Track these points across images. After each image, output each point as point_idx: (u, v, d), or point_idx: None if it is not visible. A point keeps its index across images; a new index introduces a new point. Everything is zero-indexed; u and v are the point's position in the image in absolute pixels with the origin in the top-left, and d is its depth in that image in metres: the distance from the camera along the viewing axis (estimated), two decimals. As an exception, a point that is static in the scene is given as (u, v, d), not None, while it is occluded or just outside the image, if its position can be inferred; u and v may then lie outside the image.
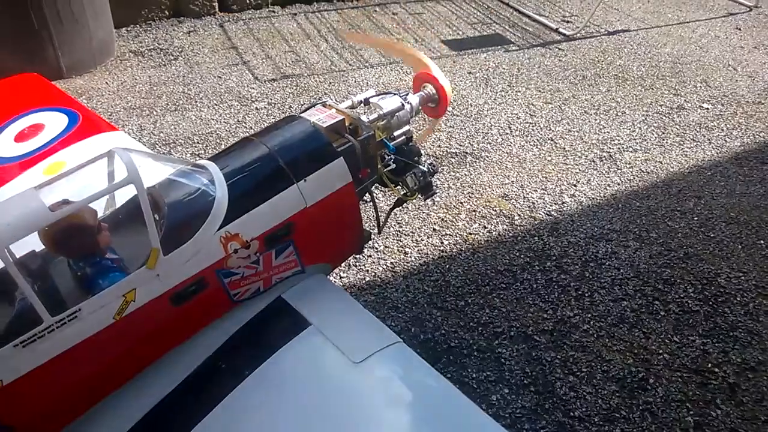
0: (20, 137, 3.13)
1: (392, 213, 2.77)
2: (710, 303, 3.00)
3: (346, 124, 2.33)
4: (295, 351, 1.97)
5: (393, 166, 2.41)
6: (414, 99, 2.54)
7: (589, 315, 2.93)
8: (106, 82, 4.93)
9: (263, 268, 2.10)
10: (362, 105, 2.51)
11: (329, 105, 2.39)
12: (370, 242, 3.34)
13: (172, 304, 1.92)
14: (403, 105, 2.43)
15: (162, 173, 2.09)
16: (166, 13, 5.90)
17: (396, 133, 2.45)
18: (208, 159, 2.20)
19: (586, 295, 3.05)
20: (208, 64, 5.20)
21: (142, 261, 1.83)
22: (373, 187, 2.46)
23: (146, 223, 1.81)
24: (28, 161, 2.93)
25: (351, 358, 1.89)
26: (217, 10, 6.04)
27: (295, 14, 6.07)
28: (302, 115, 2.34)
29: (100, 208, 2.17)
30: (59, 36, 4.80)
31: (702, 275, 3.16)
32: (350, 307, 2.16)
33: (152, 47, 5.46)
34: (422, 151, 2.59)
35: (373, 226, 2.53)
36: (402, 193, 2.56)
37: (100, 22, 5.09)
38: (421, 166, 2.47)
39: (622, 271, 3.19)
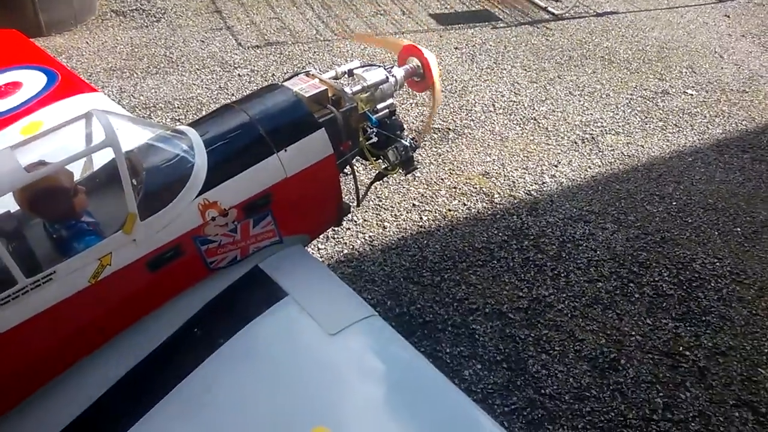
0: (-2, 94, 3.05)
1: (372, 186, 2.75)
2: (684, 287, 3.05)
3: (329, 94, 2.29)
4: (271, 321, 1.96)
5: (375, 139, 2.38)
6: (399, 72, 2.50)
7: (564, 295, 2.96)
8: (87, 42, 4.79)
9: (241, 237, 2.08)
10: (346, 76, 2.47)
11: (312, 75, 2.35)
12: (349, 215, 3.33)
13: (149, 270, 1.89)
14: (387, 77, 2.40)
15: (141, 137, 2.04)
16: (149, -28, 5.73)
17: (379, 106, 2.42)
18: (188, 125, 2.15)
19: (562, 275, 3.07)
20: (191, 28, 5.08)
21: (118, 225, 1.80)
22: (354, 160, 2.44)
23: (123, 188, 1.78)
24: (4, 120, 2.85)
25: (326, 329, 1.89)
26: (201, -29, 5.87)
27: (282, -20, 5.93)
28: (285, 84, 2.30)
29: (77, 170, 2.13)
30: (37, -9, 4.65)
31: (677, 260, 3.20)
32: (327, 279, 2.15)
33: (134, 7, 5.31)
34: (405, 126, 2.57)
35: (353, 198, 2.51)
36: (383, 167, 2.54)
37: (79, -22, 4.94)
38: (403, 141, 2.45)
39: (598, 252, 3.22)
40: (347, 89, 2.32)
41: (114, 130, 1.79)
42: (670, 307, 2.93)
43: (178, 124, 3.67)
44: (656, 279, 3.07)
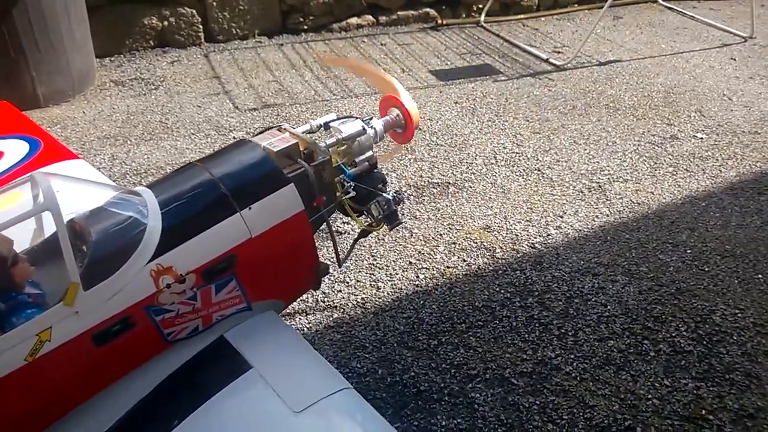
0: (-22, 165, 3.01)
1: (356, 245, 2.59)
2: (704, 342, 2.78)
3: (301, 148, 2.17)
4: (232, 397, 1.77)
5: (353, 193, 2.24)
6: (378, 124, 2.38)
7: (572, 356, 2.71)
8: (83, 111, 4.81)
9: (201, 305, 1.91)
10: (322, 129, 2.37)
11: (284, 129, 2.24)
12: (340, 276, 3.16)
13: (95, 344, 1.73)
14: (364, 129, 2.28)
15: (94, 201, 1.92)
16: (151, 43, 5.83)
17: (358, 159, 2.29)
18: (147, 185, 2.03)
19: (570, 333, 2.83)
20: (188, 94, 5.10)
21: (61, 297, 1.66)
22: (333, 217, 2.30)
23: (64, 255, 1.65)
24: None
25: (291, 406, 1.69)
26: (202, 40, 5.97)
27: (282, 45, 6.00)
28: (254, 139, 2.19)
29: (27, 238, 2.01)
30: (36, 64, 4.71)
31: (695, 312, 2.94)
32: (298, 349, 1.96)
33: (134, 77, 5.37)
34: (387, 178, 2.43)
35: (334, 258, 2.35)
36: (366, 223, 2.39)
37: (79, 52, 5.01)
38: (384, 194, 2.30)
39: (609, 307, 2.98)
40: (321, 142, 2.20)
41: (54, 193, 1.68)
42: (689, 366, 2.66)
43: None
44: (673, 334, 2.81)
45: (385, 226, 2.38)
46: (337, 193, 2.23)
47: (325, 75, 5.43)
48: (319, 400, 1.72)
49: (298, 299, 2.99)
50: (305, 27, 6.19)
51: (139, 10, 5.69)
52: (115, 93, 5.13)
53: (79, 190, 1.95)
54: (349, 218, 2.38)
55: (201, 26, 5.93)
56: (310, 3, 6.07)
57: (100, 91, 5.15)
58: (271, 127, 2.28)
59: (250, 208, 1.96)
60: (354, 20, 6.35)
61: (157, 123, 4.65)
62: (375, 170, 2.35)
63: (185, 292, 1.86)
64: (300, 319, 2.90)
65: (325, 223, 2.22)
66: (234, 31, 6.04)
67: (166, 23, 5.80)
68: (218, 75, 5.42)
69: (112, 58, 5.67)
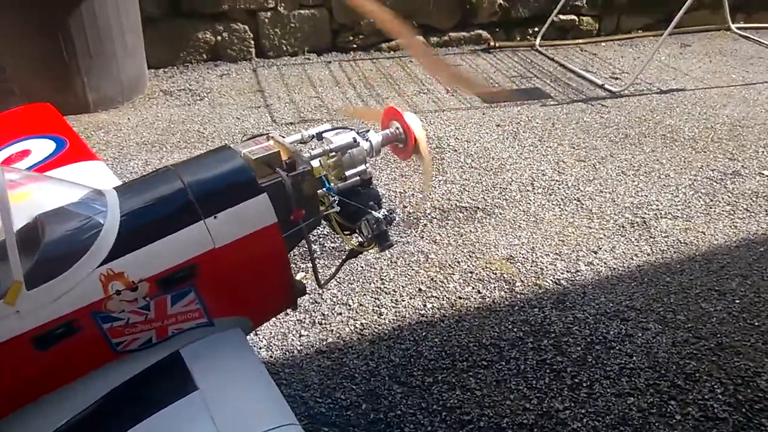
0: (6, 162, 3.08)
1: (344, 265, 2.40)
2: (743, 410, 2.39)
3: (283, 157, 2.02)
4: (168, 419, 1.61)
5: (337, 209, 2.07)
6: (376, 137, 2.20)
7: (583, 410, 2.39)
8: (128, 118, 4.91)
9: (155, 316, 1.77)
10: (315, 140, 2.22)
11: (272, 137, 2.11)
12: (343, 298, 2.98)
13: (36, 347, 1.62)
14: (356, 141, 2.11)
15: (62, 200, 1.85)
16: (204, 56, 5.94)
17: (348, 173, 2.12)
18: (115, 187, 1.94)
19: (584, 384, 2.51)
20: (230, 106, 5.12)
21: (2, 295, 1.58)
22: (315, 233, 2.13)
23: (8, 253, 1.57)
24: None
25: (224, 436, 1.52)
26: (253, 55, 6.03)
27: (329, 62, 5.96)
28: (237, 145, 2.07)
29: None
30: (88, 70, 4.85)
31: (737, 373, 2.55)
32: (251, 375, 1.78)
33: (182, 87, 5.46)
34: (382, 197, 2.25)
35: (326, 275, 2.18)
36: (357, 242, 2.21)
37: (131, 61, 5.14)
38: (374, 212, 2.12)
39: (634, 358, 2.64)
40: (306, 153, 2.05)
41: (4, 188, 1.60)
42: (721, 436, 2.29)
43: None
44: (706, 396, 2.44)
45: (376, 248, 2.19)
46: (321, 207, 2.06)
47: (366, 93, 5.33)
48: (257, 434, 1.55)
49: (295, 318, 2.85)
50: (354, 46, 6.14)
51: (195, 24, 5.81)
52: (162, 102, 5.22)
53: (51, 188, 1.88)
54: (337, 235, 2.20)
55: (253, 42, 6.00)
56: (360, 22, 6.02)
57: (148, 99, 5.25)
58: (261, 134, 2.16)
59: (215, 217, 1.82)
60: (404, 40, 6.25)
61: (194, 132, 4.67)
62: (369, 186, 2.18)
63: (137, 301, 1.73)
64: (292, 340, 2.73)
65: (304, 239, 2.05)
66: (284, 48, 6.07)
67: (219, 38, 5.90)
68: (262, 89, 5.43)
69: (166, 69, 5.80)
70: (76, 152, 3.13)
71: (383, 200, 2.28)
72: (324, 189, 2.04)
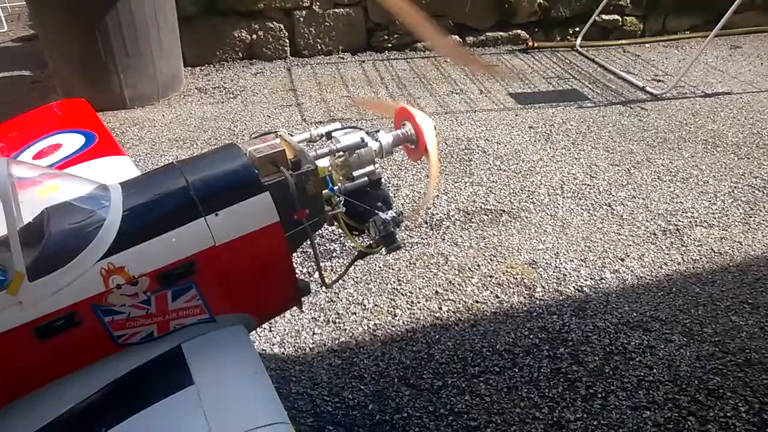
0: (38, 156, 3.19)
1: (352, 267, 2.38)
2: (767, 429, 2.27)
3: (289, 156, 2.01)
4: (162, 412, 1.63)
5: (343, 209, 2.05)
6: (386, 137, 2.17)
7: (596, 422, 2.30)
8: (163, 115, 5.03)
9: (156, 310, 1.80)
10: (324, 139, 2.20)
11: (279, 135, 2.11)
12: (359, 297, 2.96)
13: (37, 338, 1.67)
14: (364, 141, 2.08)
15: (68, 194, 1.90)
16: (240, 55, 6.03)
17: (356, 173, 2.10)
18: (120, 182, 1.98)
19: (599, 395, 2.42)
20: (262, 104, 5.17)
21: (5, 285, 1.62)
22: (335, 232, 2.11)
23: (11, 244, 1.61)
24: (32, 181, 2.94)
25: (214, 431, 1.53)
26: (288, 54, 6.08)
27: (363, 61, 5.96)
28: (244, 143, 2.08)
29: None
30: (125, 68, 4.99)
31: (764, 391, 2.41)
32: (248, 372, 1.78)
33: (217, 86, 5.56)
34: (393, 199, 2.21)
35: (333, 274, 2.17)
36: (365, 244, 2.18)
37: (166, 59, 5.26)
38: (381, 214, 2.09)
39: (655, 371, 2.53)
40: (312, 152, 2.04)
41: (7, 181, 1.65)
42: (742, 457, 2.17)
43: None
44: (728, 414, 2.31)
45: (383, 249, 2.16)
46: (326, 207, 2.05)
47: (398, 92, 5.30)
48: (247, 430, 1.54)
49: (309, 316, 2.84)
50: (389, 45, 6.12)
51: (230, 23, 5.90)
52: (196, 100, 5.32)
53: (57, 183, 1.93)
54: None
55: (288, 41, 6.05)
56: (396, 21, 5.99)
57: (183, 97, 5.36)
58: (269, 132, 2.16)
59: (216, 215, 1.83)
60: (440, 40, 6.19)
61: (225, 129, 4.74)
62: (379, 187, 2.15)
63: (138, 295, 1.76)
64: (305, 337, 2.73)
65: (309, 239, 2.04)
66: (319, 47, 6.10)
67: (254, 36, 5.98)
68: (295, 87, 5.47)
69: (202, 68, 5.92)
70: (104, 147, 3.21)
71: (393, 201, 2.23)
72: (328, 189, 2.02)
